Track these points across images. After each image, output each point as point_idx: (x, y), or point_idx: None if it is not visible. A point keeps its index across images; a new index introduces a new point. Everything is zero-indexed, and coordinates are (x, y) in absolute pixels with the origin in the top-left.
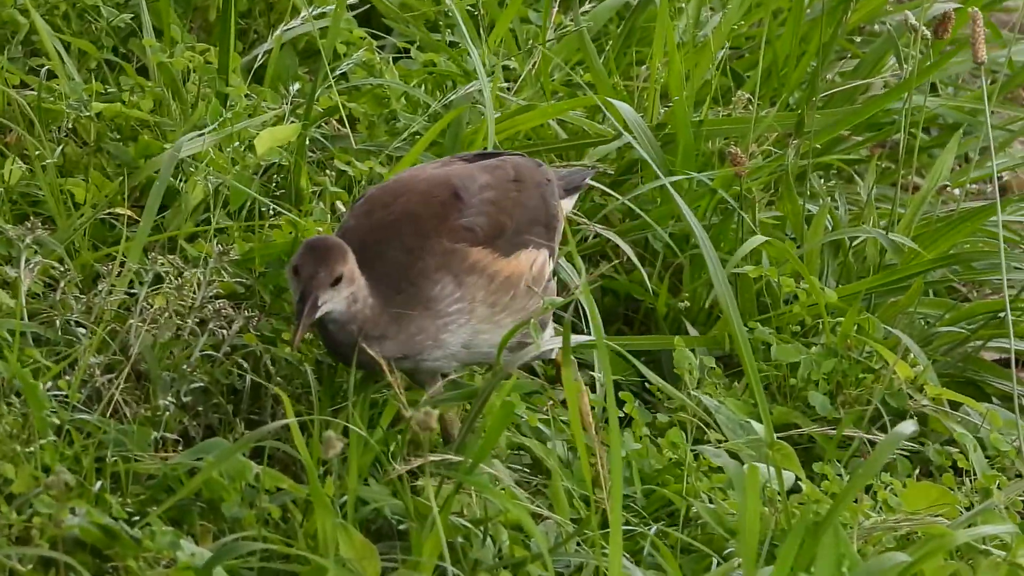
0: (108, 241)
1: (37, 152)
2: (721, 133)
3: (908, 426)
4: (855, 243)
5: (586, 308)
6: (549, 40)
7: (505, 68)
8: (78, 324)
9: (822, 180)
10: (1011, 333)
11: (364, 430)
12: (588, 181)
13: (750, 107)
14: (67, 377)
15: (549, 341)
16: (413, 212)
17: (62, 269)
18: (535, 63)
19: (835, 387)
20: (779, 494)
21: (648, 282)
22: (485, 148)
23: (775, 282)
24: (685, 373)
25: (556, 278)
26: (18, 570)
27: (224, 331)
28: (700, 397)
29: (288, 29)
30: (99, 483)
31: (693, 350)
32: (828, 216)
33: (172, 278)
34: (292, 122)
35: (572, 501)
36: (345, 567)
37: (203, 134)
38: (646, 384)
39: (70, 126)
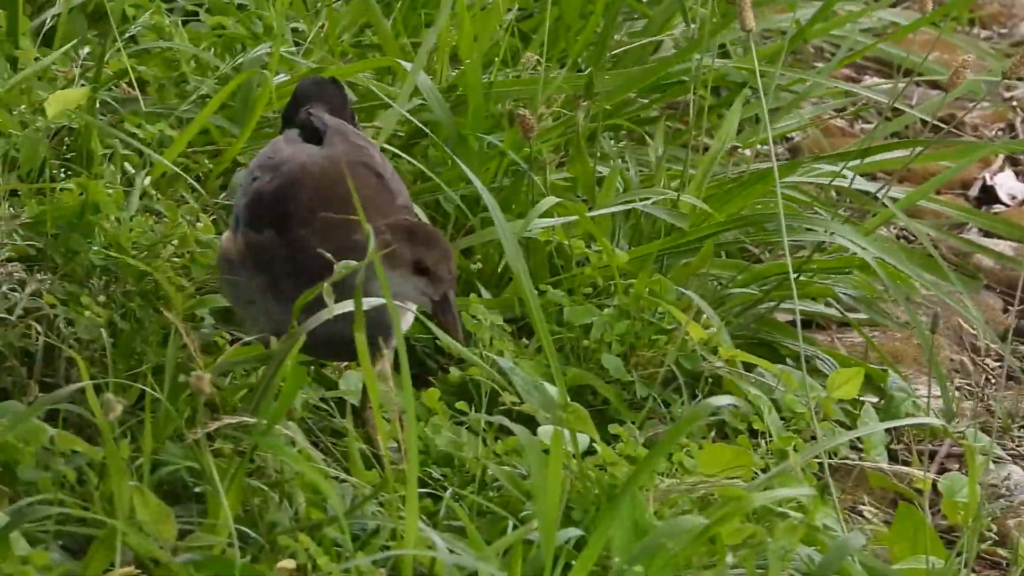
0: None
1: None
2: (511, 95)
3: (722, 399)
4: (646, 205)
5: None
6: (337, 2)
7: (294, 31)
8: None
9: (613, 142)
10: (795, 294)
11: (160, 392)
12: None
13: (539, 68)
14: None
15: (342, 305)
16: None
17: None
18: (323, 25)
19: (628, 349)
20: (574, 457)
21: None
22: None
23: (566, 244)
24: (476, 331)
25: None
26: None
27: (17, 293)
28: (494, 358)
29: None
30: None
31: None
32: (619, 178)
33: None
34: (82, 85)
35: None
36: (141, 530)
37: None
38: (438, 343)
39: None
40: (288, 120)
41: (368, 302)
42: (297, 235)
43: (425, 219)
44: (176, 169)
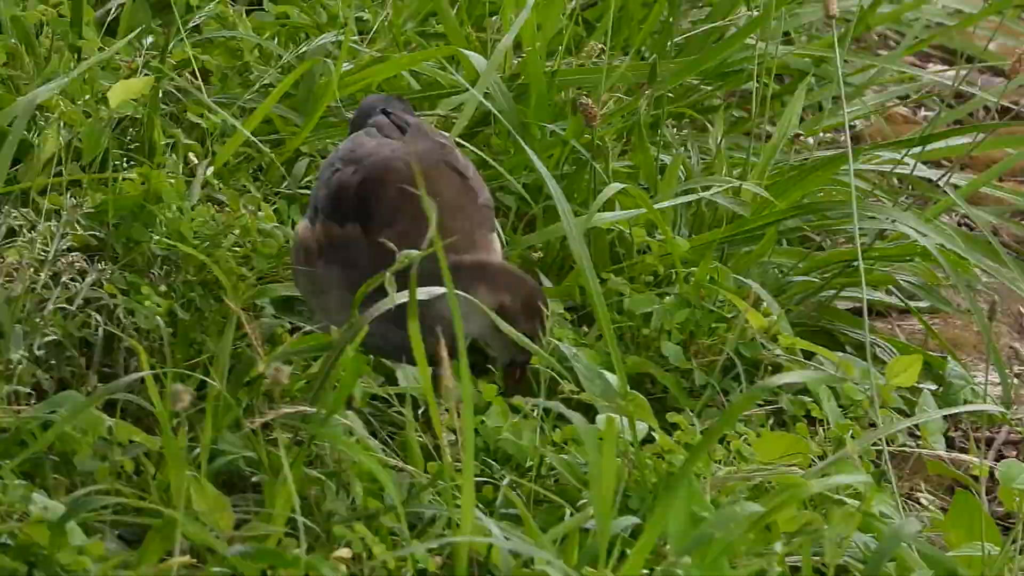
0: None
1: None
2: (574, 83)
3: (778, 378)
4: (708, 193)
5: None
6: None
7: (358, 20)
8: None
9: (675, 130)
10: (863, 282)
11: (220, 383)
12: None
13: (603, 57)
14: None
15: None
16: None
17: None
18: (387, 14)
19: (688, 337)
20: (632, 445)
21: (502, 233)
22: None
23: (628, 232)
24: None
25: None
26: None
27: (77, 284)
28: (556, 344)
29: None
30: None
31: None
32: (681, 166)
33: (25, 231)
34: (145, 75)
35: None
36: (198, 520)
37: (55, 84)
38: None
39: None
40: (356, 128)
41: (429, 291)
42: (381, 231)
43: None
44: (238, 159)
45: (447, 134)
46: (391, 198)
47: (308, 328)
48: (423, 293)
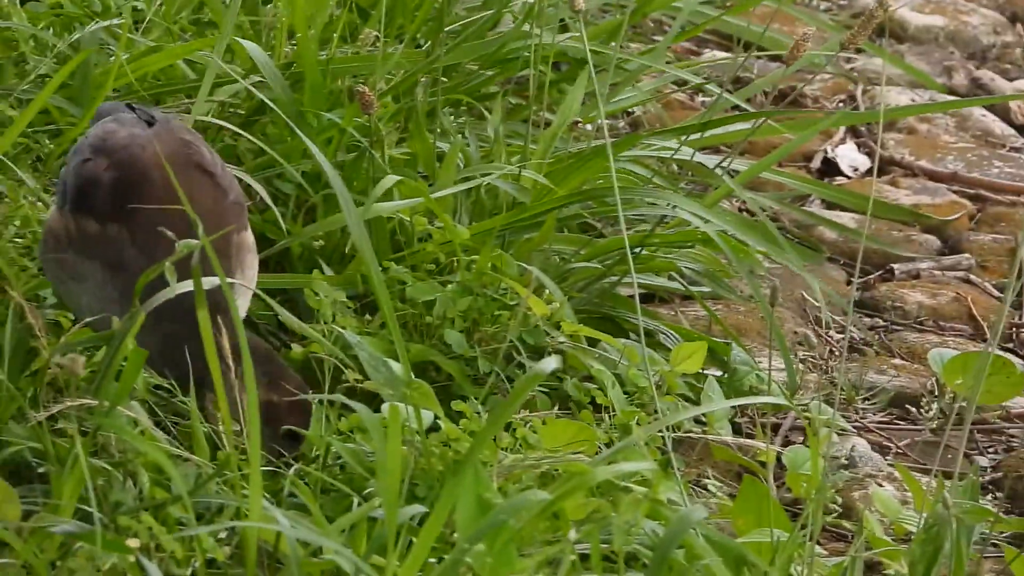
0: None
1: None
2: (349, 71)
3: (550, 363)
4: (488, 180)
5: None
6: None
7: (134, 8)
8: None
9: (452, 117)
10: (632, 268)
11: (1, 373)
12: None
13: (377, 44)
14: None
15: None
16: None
17: None
18: (161, 3)
19: (471, 325)
20: (417, 433)
21: (282, 221)
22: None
23: (408, 221)
24: (318, 308)
25: None
26: None
27: None
28: (340, 331)
29: None
30: None
31: None
32: (460, 153)
33: None
34: None
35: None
36: None
37: None
38: (280, 323)
39: None
40: None
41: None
42: (146, 233)
43: (265, 196)
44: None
45: (192, 130)
46: (151, 201)
47: (88, 319)
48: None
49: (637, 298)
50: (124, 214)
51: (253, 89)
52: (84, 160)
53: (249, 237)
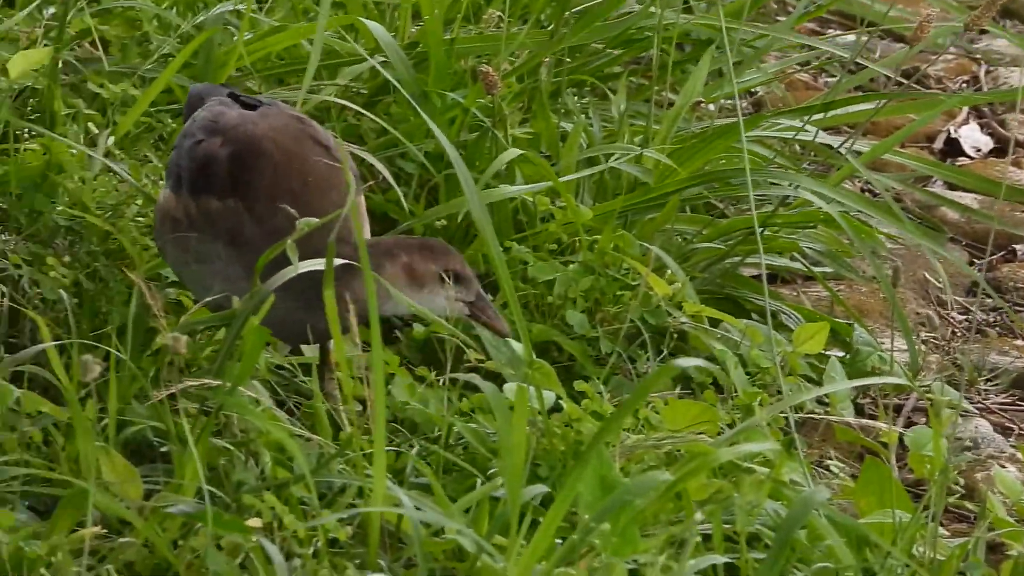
0: None
1: None
2: (473, 51)
3: (688, 360)
4: (610, 161)
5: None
6: None
7: None
8: None
9: (576, 98)
10: (760, 248)
11: (124, 353)
12: None
13: (501, 25)
14: None
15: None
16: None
17: None
18: None
19: (593, 305)
20: (540, 413)
21: (404, 201)
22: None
23: (531, 200)
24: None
25: None
26: None
27: None
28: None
29: None
30: None
31: None
32: (583, 134)
33: None
34: (45, 45)
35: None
36: (108, 490)
37: None
38: None
39: None
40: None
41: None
42: (265, 207)
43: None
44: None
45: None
46: (268, 174)
47: (209, 298)
48: (337, 266)
49: (764, 278)
50: (244, 189)
51: (380, 68)
52: (197, 141)
53: (363, 203)
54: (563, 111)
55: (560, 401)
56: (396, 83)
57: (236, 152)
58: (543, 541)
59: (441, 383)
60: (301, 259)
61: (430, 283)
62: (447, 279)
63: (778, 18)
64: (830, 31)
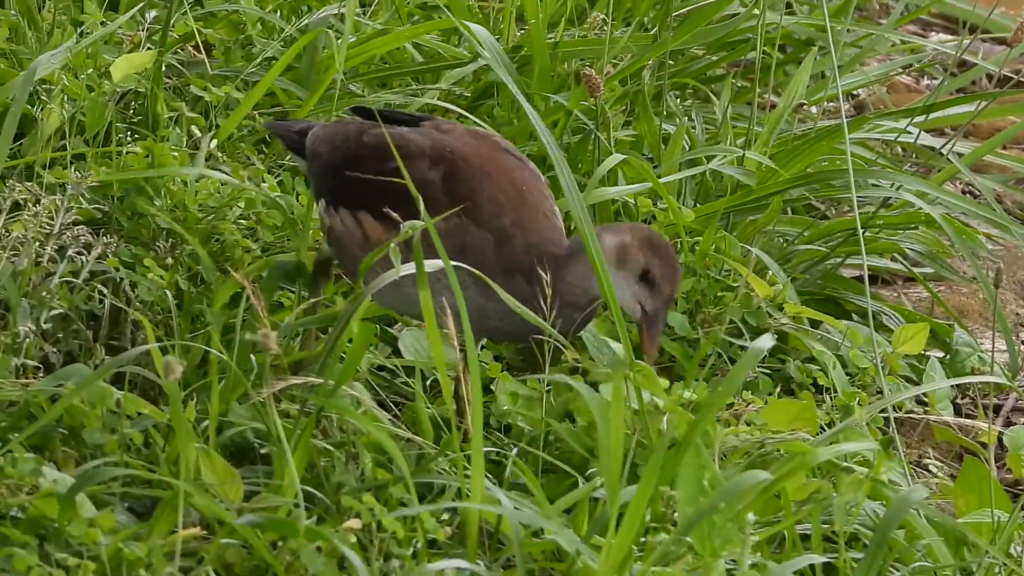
0: None
1: None
2: (576, 55)
3: (766, 340)
4: (712, 163)
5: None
6: None
7: None
8: None
9: (678, 100)
10: (863, 250)
11: (225, 354)
12: None
13: (605, 28)
14: None
15: (406, 267)
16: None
17: None
18: None
19: (694, 306)
20: (638, 414)
21: None
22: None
23: (632, 203)
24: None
25: None
26: None
27: (83, 257)
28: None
29: None
30: None
31: None
32: (685, 136)
33: (30, 205)
34: (148, 49)
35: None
36: (207, 491)
37: (57, 58)
38: None
39: None
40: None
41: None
42: (491, 221)
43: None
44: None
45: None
46: (486, 188)
47: (313, 300)
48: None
49: (867, 279)
50: (468, 207)
51: (492, 65)
52: (389, 167)
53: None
54: (665, 114)
55: (659, 402)
56: (502, 84)
57: (448, 173)
58: (627, 536)
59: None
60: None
61: (632, 269)
62: (648, 276)
63: (880, 20)
64: (932, 34)
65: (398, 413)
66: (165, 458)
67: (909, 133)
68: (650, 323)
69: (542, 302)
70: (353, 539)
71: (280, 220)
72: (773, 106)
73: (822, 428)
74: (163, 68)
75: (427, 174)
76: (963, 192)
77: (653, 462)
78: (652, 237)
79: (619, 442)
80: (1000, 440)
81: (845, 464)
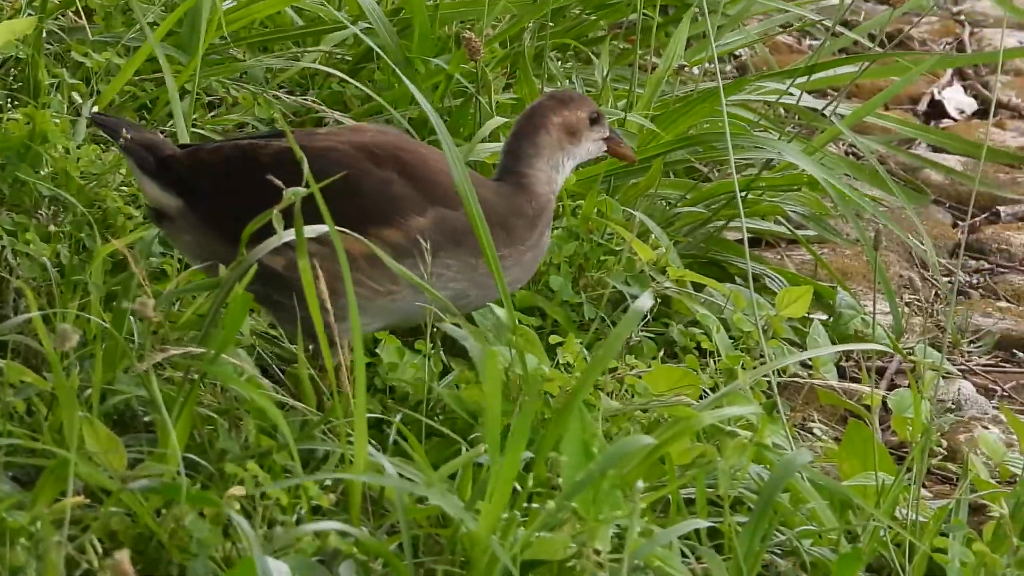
0: None
1: None
2: (457, 17)
3: (646, 299)
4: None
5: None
6: None
7: None
8: None
9: (559, 63)
10: (741, 212)
11: (107, 322)
12: None
13: None
14: None
15: (286, 233)
16: None
17: None
18: None
19: (577, 270)
20: (521, 377)
21: None
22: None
23: None
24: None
25: None
26: None
27: None
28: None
29: None
30: None
31: None
32: None
33: None
34: (29, 15)
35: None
36: (91, 460)
37: None
38: None
39: None
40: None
41: None
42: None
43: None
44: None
45: None
46: (434, 171)
47: (196, 266)
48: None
49: (746, 242)
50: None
51: (362, 35)
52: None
53: None
54: (547, 76)
55: (541, 366)
56: (379, 50)
57: (399, 167)
58: (501, 498)
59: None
60: None
61: (583, 131)
62: (595, 120)
63: None
64: None
65: (283, 380)
66: (49, 427)
67: (791, 94)
68: (616, 142)
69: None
70: (237, 507)
71: None
72: (655, 68)
73: (706, 392)
74: (43, 34)
75: (382, 174)
76: (847, 154)
77: (522, 420)
78: (563, 95)
79: (497, 404)
80: (884, 403)
81: (729, 428)
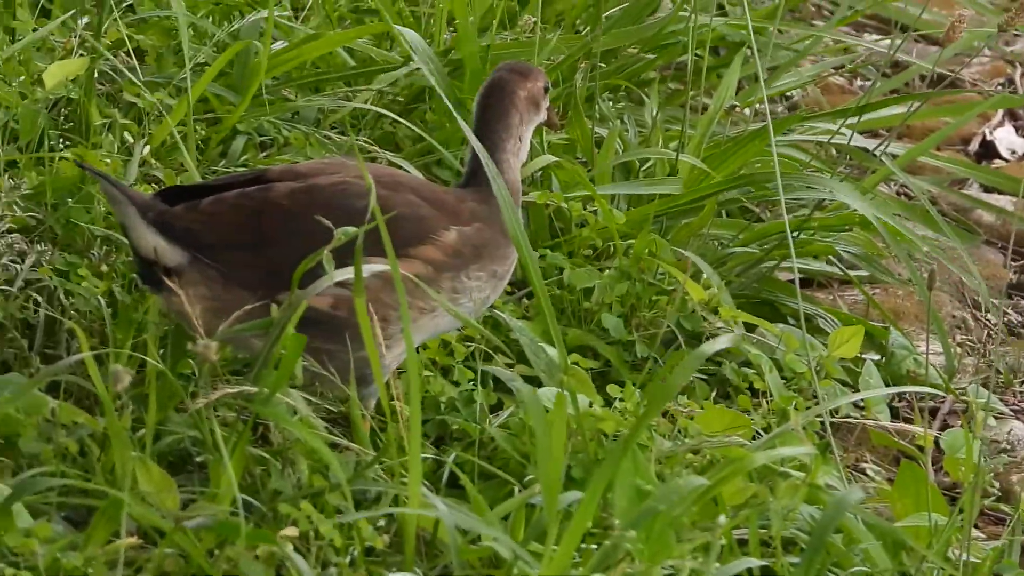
0: None
1: None
2: (508, 57)
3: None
4: (645, 166)
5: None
6: None
7: None
8: None
9: (611, 103)
10: (792, 252)
11: (161, 363)
12: None
13: (536, 31)
14: None
15: (342, 272)
16: None
17: None
18: None
19: (629, 310)
20: (575, 419)
21: None
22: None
23: (565, 206)
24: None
25: None
26: None
27: (17, 265)
28: (500, 315)
29: None
30: None
31: None
32: (618, 139)
33: None
34: (81, 55)
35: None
36: (144, 500)
37: None
38: None
39: None
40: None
41: None
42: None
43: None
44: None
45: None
46: (436, 191)
47: (248, 307)
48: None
49: (797, 282)
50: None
51: (425, 70)
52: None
53: None
54: (598, 117)
55: (594, 407)
56: (436, 88)
57: (413, 189)
58: (570, 546)
59: (475, 387)
60: None
61: (542, 101)
62: (547, 90)
63: (814, 22)
64: (865, 35)
65: (335, 420)
66: (101, 467)
67: (843, 134)
68: (551, 110)
69: None
70: (291, 547)
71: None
72: (706, 108)
73: (758, 433)
74: (95, 75)
75: (407, 197)
76: (898, 194)
77: (601, 470)
78: (522, 67)
79: (561, 450)
80: (937, 443)
81: (782, 469)
